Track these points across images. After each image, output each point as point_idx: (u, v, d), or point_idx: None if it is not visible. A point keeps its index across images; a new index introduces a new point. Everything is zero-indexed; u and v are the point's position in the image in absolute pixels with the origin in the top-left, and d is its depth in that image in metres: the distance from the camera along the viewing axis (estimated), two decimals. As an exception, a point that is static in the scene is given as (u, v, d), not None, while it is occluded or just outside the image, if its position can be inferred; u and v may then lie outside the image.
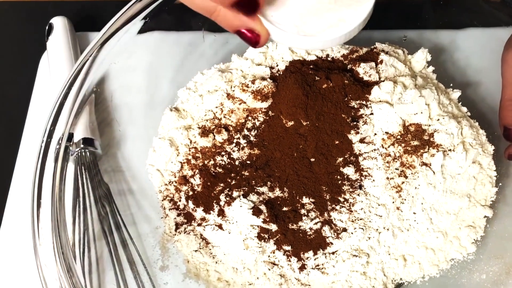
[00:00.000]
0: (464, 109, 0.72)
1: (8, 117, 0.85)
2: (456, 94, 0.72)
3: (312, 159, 0.66)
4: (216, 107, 0.70)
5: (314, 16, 0.50)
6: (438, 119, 0.67)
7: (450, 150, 0.66)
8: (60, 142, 0.66)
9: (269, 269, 0.66)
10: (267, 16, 0.50)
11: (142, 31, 0.75)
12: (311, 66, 0.69)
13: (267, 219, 0.64)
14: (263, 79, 0.70)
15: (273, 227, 0.64)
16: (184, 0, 0.51)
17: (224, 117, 0.69)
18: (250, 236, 0.64)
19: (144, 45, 0.77)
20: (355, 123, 0.66)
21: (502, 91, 0.67)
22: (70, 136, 0.68)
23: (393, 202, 0.65)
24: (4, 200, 0.76)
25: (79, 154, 0.71)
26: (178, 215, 0.68)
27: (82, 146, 0.71)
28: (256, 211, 0.64)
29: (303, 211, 0.65)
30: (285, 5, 0.50)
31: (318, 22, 0.50)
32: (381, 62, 0.70)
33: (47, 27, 0.84)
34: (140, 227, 0.70)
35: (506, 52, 0.67)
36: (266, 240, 0.65)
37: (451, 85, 0.74)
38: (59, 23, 0.84)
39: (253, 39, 0.51)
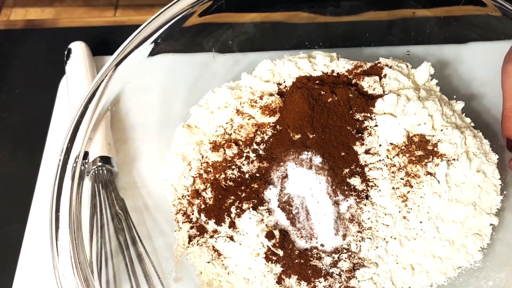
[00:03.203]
0: (468, 119, 0.73)
1: (29, 140, 0.88)
2: (459, 105, 0.74)
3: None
4: (226, 123, 0.73)
5: None
6: (442, 130, 0.69)
7: (454, 159, 0.68)
8: (76, 160, 0.69)
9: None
10: None
11: (155, 53, 0.78)
12: (317, 81, 0.71)
13: (277, 245, 0.66)
14: (271, 95, 0.72)
15: (280, 253, 0.66)
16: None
17: (234, 132, 0.72)
18: (259, 252, 0.66)
19: (158, 67, 0.80)
20: (360, 134, 0.68)
21: (503, 103, 0.68)
22: (86, 155, 0.71)
23: (400, 212, 0.67)
24: (25, 218, 0.79)
25: (96, 172, 0.74)
26: (191, 228, 0.70)
27: (99, 164, 0.74)
28: (269, 235, 0.66)
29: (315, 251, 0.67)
30: None
31: None
32: (385, 76, 0.72)
33: (66, 52, 0.88)
34: (155, 241, 0.72)
35: (505, 65, 0.69)
36: (273, 262, 0.67)
37: (455, 97, 0.76)
38: (77, 48, 0.88)
39: None
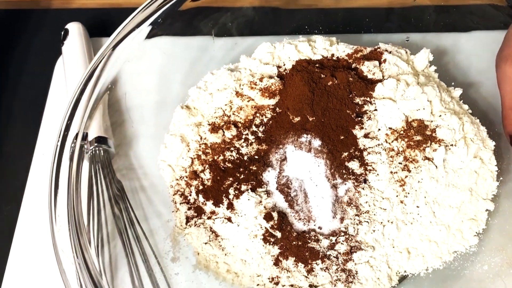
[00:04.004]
0: (466, 106, 0.74)
1: (24, 121, 0.88)
2: (457, 92, 0.74)
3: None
4: (226, 105, 0.72)
5: None
6: (440, 115, 0.69)
7: (452, 145, 0.68)
8: (75, 141, 0.68)
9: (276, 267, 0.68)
10: None
11: (152, 35, 0.78)
12: (317, 65, 0.72)
13: (275, 227, 0.66)
14: (271, 77, 0.72)
15: (278, 234, 0.66)
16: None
17: (233, 114, 0.72)
18: (257, 233, 0.67)
19: (155, 49, 0.80)
20: (359, 118, 0.68)
21: (501, 101, 0.68)
22: (85, 135, 0.71)
23: (397, 196, 0.67)
24: (20, 198, 0.79)
25: (93, 152, 0.73)
26: (189, 209, 0.70)
27: (96, 144, 0.74)
28: (267, 216, 0.66)
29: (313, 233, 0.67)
30: None
31: None
32: (385, 61, 0.72)
33: (62, 33, 0.87)
34: (152, 222, 0.72)
35: (499, 64, 0.69)
36: (271, 243, 0.67)
37: (453, 84, 0.76)
38: (74, 29, 0.87)
39: None
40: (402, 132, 0.68)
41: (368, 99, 0.69)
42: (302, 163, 0.67)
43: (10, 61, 0.93)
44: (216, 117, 0.72)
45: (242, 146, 0.70)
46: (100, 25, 0.93)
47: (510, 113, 0.68)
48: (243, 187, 0.67)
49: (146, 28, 0.78)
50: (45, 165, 0.81)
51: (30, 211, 0.78)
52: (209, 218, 0.69)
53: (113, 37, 0.76)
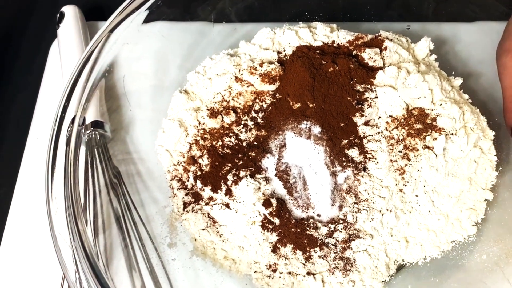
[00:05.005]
0: (466, 96, 0.73)
1: (18, 104, 0.87)
2: (458, 81, 0.74)
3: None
4: (225, 90, 0.72)
5: None
6: (441, 104, 0.69)
7: (452, 134, 0.68)
8: (71, 125, 0.67)
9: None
10: None
11: (150, 20, 0.77)
12: (318, 51, 0.71)
13: (274, 213, 0.65)
14: (271, 63, 0.72)
15: (277, 221, 0.66)
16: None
17: (232, 99, 0.71)
18: (255, 220, 0.66)
19: (153, 34, 0.79)
20: (360, 106, 0.68)
21: (503, 94, 0.68)
22: (82, 119, 0.70)
23: (396, 184, 0.67)
24: (14, 182, 0.78)
25: (89, 137, 0.72)
26: (186, 194, 0.69)
27: (92, 129, 0.73)
28: (266, 203, 0.65)
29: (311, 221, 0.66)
30: None
31: None
32: (386, 48, 0.71)
33: (58, 15, 0.86)
34: (148, 207, 0.71)
35: (500, 58, 0.68)
36: (269, 230, 0.66)
37: (453, 73, 0.76)
38: (70, 12, 0.86)
39: None
40: (402, 120, 0.68)
41: (369, 86, 0.68)
42: (301, 150, 0.67)
43: (3, 43, 0.91)
44: (215, 102, 0.72)
45: (241, 132, 0.69)
46: (97, 8, 0.92)
47: (511, 106, 0.67)
48: (242, 173, 0.67)
49: (143, 12, 0.77)
50: (39, 149, 0.80)
51: (24, 195, 0.77)
52: (206, 204, 0.68)
53: (110, 20, 0.75)
